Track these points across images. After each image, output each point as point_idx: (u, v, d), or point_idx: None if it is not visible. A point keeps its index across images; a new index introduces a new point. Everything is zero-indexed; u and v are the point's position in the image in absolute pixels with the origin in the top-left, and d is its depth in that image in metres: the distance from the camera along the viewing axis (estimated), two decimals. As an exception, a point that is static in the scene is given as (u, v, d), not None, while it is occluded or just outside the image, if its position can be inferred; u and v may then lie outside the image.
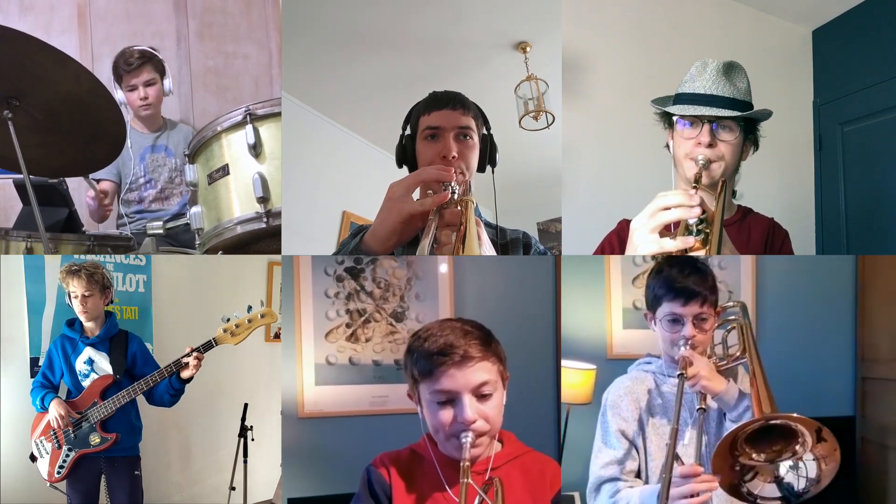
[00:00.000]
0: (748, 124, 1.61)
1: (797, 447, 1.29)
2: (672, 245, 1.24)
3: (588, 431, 2.08)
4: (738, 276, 2.30)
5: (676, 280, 1.50)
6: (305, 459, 2.06)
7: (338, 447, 2.06)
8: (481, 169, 1.63)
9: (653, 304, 1.56)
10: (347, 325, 2.12)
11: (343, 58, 3.32)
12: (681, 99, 1.63)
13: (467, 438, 1.13)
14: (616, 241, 1.78)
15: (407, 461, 1.26)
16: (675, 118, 1.62)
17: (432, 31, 3.15)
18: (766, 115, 1.61)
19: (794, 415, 1.26)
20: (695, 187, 1.44)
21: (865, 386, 2.29)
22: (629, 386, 1.58)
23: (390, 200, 1.31)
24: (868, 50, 3.05)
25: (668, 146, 1.72)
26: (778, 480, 1.31)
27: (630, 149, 3.02)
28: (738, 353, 1.55)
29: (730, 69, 1.60)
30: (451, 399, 1.16)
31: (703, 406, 1.42)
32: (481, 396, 1.17)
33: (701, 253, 1.27)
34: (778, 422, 1.28)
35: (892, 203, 2.90)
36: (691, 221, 1.27)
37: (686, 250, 1.26)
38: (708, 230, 1.27)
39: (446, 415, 1.15)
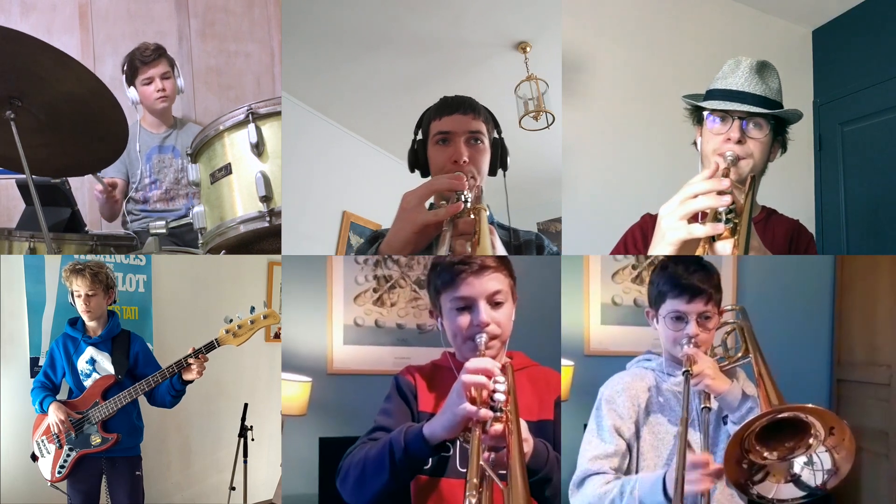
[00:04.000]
0: (778, 125, 1.61)
1: (810, 440, 1.26)
2: (702, 230, 1.23)
3: (566, 430, 2.09)
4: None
5: (682, 276, 1.50)
6: (332, 410, 2.21)
7: (362, 401, 2.15)
8: (492, 172, 1.65)
9: (656, 300, 1.55)
10: (374, 290, 2.26)
11: (344, 57, 3.32)
12: (712, 95, 1.62)
13: (482, 338, 1.30)
14: (639, 235, 1.77)
15: (429, 370, 1.45)
16: (705, 114, 1.62)
17: (432, 30, 3.15)
18: (797, 115, 1.61)
19: (809, 405, 1.22)
20: (725, 175, 1.42)
21: (841, 388, 2.31)
22: (628, 382, 1.56)
23: (404, 211, 1.34)
24: (868, 50, 3.05)
25: (695, 143, 1.71)
26: (794, 479, 1.28)
27: (630, 148, 3.03)
28: (739, 355, 1.55)
29: (762, 68, 1.60)
30: (469, 305, 1.33)
31: (708, 405, 1.42)
32: (495, 304, 1.34)
33: (729, 242, 1.24)
34: (787, 415, 1.24)
35: (892, 203, 2.90)
36: (720, 210, 1.25)
37: (714, 238, 1.24)
38: (737, 220, 1.26)
39: (464, 319, 1.33)
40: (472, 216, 1.32)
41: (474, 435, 1.12)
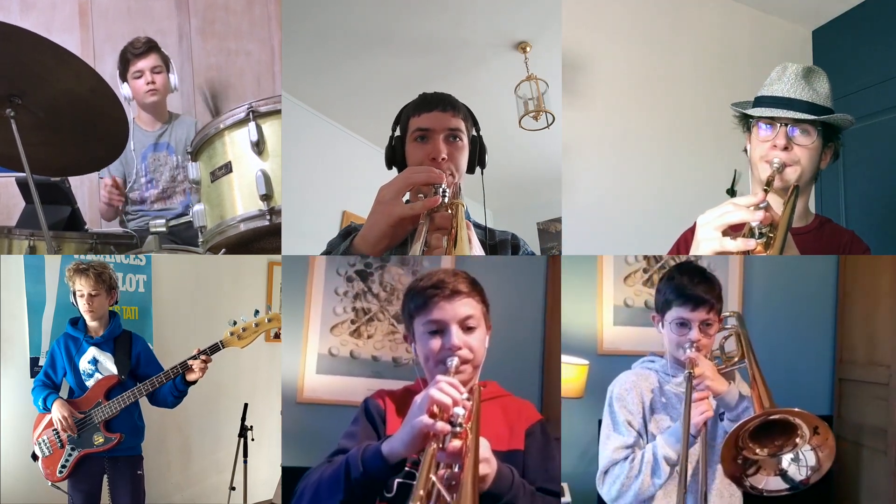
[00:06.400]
0: (827, 131, 1.59)
1: (797, 440, 1.38)
2: (733, 245, 1.26)
3: (581, 425, 2.10)
4: (725, 277, 2.32)
5: (687, 287, 1.58)
6: (300, 440, 2.15)
7: (331, 432, 2.10)
8: (470, 170, 1.63)
9: (662, 307, 1.63)
10: (352, 322, 2.22)
11: (344, 57, 3.32)
12: (760, 102, 1.63)
13: (453, 361, 1.29)
14: (691, 238, 1.80)
15: (400, 394, 1.42)
16: (752, 121, 1.63)
17: (433, 31, 3.15)
18: (846, 122, 1.59)
19: (795, 409, 1.35)
20: (766, 190, 1.43)
21: (842, 387, 2.34)
22: (634, 381, 1.64)
23: (380, 204, 1.32)
24: (868, 50, 3.05)
25: (745, 150, 1.72)
26: (782, 473, 1.41)
27: (630, 148, 3.03)
28: (736, 359, 1.65)
29: (809, 73, 1.60)
30: (441, 329, 1.32)
31: None
32: (467, 329, 1.33)
33: (761, 257, 1.29)
34: (777, 417, 1.37)
35: (892, 203, 2.90)
36: (753, 224, 1.28)
37: (747, 252, 1.27)
38: (772, 234, 1.28)
39: (436, 343, 1.32)
40: (450, 211, 1.30)
41: (429, 448, 1.07)
